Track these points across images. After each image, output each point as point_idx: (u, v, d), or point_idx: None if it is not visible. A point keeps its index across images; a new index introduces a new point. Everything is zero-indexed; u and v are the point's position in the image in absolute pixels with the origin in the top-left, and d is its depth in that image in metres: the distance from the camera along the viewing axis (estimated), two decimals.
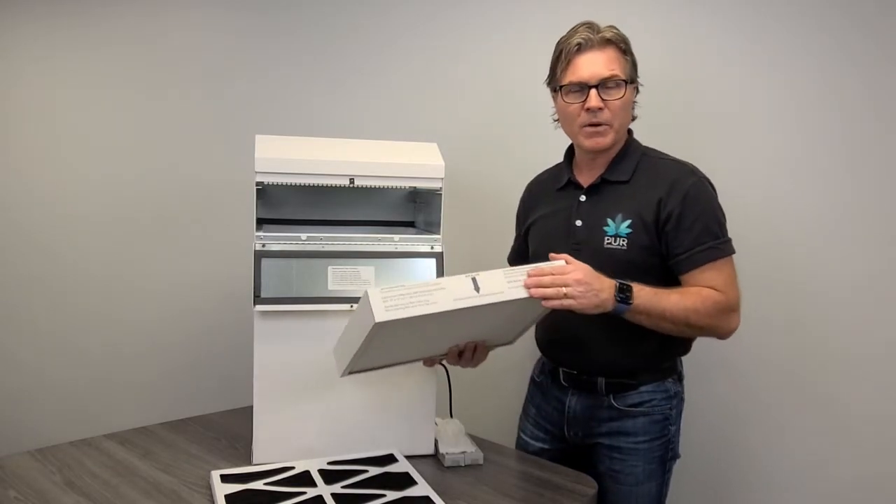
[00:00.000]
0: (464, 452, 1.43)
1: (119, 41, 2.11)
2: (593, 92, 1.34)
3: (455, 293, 1.14)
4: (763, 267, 1.60)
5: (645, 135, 1.48)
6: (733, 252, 1.35)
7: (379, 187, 1.45)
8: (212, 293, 2.23)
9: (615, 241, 1.37)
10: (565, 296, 1.18)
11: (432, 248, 1.45)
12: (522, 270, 1.19)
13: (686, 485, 1.67)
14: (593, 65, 1.34)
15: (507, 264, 1.65)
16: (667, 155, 1.43)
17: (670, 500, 1.48)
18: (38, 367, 2.11)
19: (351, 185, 1.43)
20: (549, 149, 1.57)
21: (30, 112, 2.06)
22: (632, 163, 1.40)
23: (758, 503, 1.66)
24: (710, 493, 1.72)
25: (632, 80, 1.38)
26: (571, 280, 1.19)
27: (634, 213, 1.36)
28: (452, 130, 1.99)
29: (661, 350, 1.40)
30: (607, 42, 1.35)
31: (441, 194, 1.47)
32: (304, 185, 1.42)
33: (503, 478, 1.38)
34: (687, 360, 1.49)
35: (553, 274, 1.19)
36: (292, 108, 2.25)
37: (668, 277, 1.36)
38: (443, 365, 1.50)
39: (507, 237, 1.66)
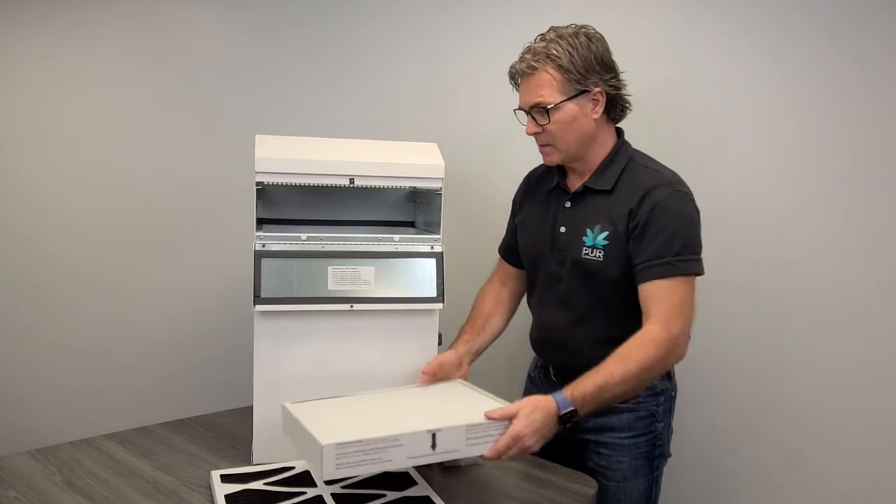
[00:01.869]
0: None
1: (118, 41, 2.11)
2: (528, 118, 1.38)
3: (410, 450, 1.11)
4: (762, 268, 1.60)
5: (643, 136, 1.48)
6: (696, 273, 1.31)
7: (379, 187, 1.45)
8: (212, 293, 2.23)
9: (592, 253, 1.36)
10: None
11: (432, 248, 1.45)
12: (485, 429, 1.16)
13: (676, 487, 1.66)
14: (524, 92, 1.38)
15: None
16: (653, 163, 1.40)
17: (663, 501, 1.49)
18: (38, 367, 2.11)
19: (351, 185, 1.43)
20: None
21: (28, 113, 2.06)
22: (616, 171, 1.38)
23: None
24: (701, 495, 1.72)
25: (578, 93, 1.33)
26: (529, 444, 1.18)
27: (611, 223, 1.35)
28: (452, 130, 1.99)
29: None
30: (533, 67, 1.34)
31: (441, 194, 1.47)
32: (304, 185, 1.42)
33: (503, 478, 1.38)
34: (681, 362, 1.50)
35: (514, 441, 1.17)
36: (292, 108, 2.25)
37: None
38: None
39: None
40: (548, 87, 1.34)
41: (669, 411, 1.46)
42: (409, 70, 2.13)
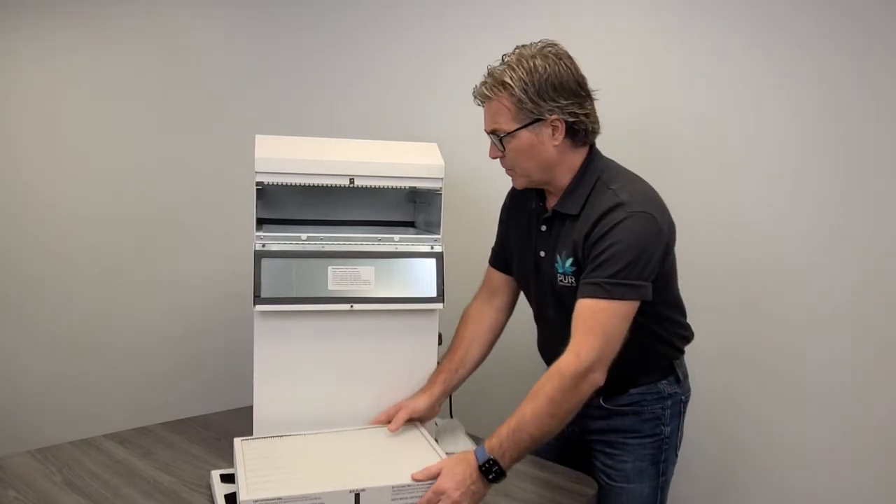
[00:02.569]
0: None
1: (119, 42, 2.11)
2: (490, 142, 1.36)
3: None
4: (771, 273, 1.59)
5: (640, 138, 1.46)
6: (630, 298, 1.24)
7: (379, 187, 1.45)
8: (212, 293, 2.23)
9: (565, 279, 1.34)
10: None
11: (432, 248, 1.45)
12: (412, 490, 1.18)
13: (681, 493, 1.66)
14: (485, 117, 1.37)
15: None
16: (619, 180, 1.33)
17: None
18: (38, 366, 2.11)
19: (351, 185, 1.43)
20: None
21: (30, 113, 2.06)
22: (583, 194, 1.32)
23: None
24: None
25: (533, 121, 1.29)
26: (454, 498, 1.18)
27: (573, 250, 1.32)
28: (452, 130, 1.99)
29: (647, 359, 1.39)
30: (486, 96, 1.33)
31: (441, 194, 1.47)
32: (304, 185, 1.42)
33: None
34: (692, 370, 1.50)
35: (436, 496, 1.19)
36: (292, 108, 2.25)
37: None
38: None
39: None
40: (503, 114, 1.31)
41: (678, 415, 1.44)
42: (410, 70, 2.13)
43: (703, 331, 1.54)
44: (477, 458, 1.21)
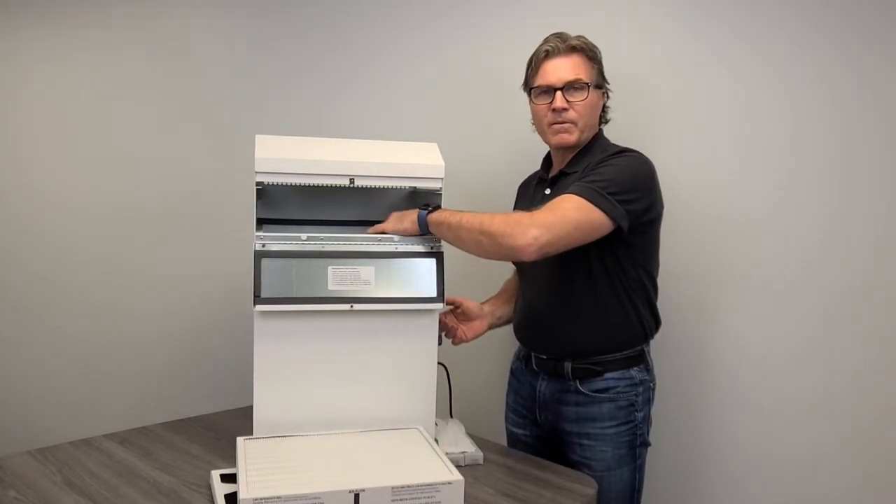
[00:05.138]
0: (464, 452, 1.43)
1: (121, 43, 2.11)
2: (558, 94, 1.43)
3: None
4: (769, 271, 1.59)
5: (633, 136, 1.49)
6: (602, 208, 1.30)
7: (379, 187, 1.46)
8: (212, 293, 2.23)
9: None
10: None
11: (432, 248, 1.46)
12: (412, 491, 1.17)
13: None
14: (559, 70, 1.44)
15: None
16: (622, 147, 1.46)
17: (646, 487, 1.51)
18: (38, 365, 2.11)
19: (351, 185, 1.43)
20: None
21: (33, 112, 2.07)
22: (592, 158, 1.44)
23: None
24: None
25: (598, 86, 1.46)
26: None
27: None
28: (452, 130, 1.99)
29: (617, 328, 1.44)
30: (573, 49, 1.44)
31: (441, 194, 1.48)
32: (304, 185, 1.42)
33: (503, 478, 1.39)
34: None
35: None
36: (292, 108, 2.25)
37: (618, 255, 1.39)
38: (443, 365, 1.51)
39: None
40: (585, 69, 1.44)
41: (648, 401, 1.49)
42: (410, 71, 2.13)
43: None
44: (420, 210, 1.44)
